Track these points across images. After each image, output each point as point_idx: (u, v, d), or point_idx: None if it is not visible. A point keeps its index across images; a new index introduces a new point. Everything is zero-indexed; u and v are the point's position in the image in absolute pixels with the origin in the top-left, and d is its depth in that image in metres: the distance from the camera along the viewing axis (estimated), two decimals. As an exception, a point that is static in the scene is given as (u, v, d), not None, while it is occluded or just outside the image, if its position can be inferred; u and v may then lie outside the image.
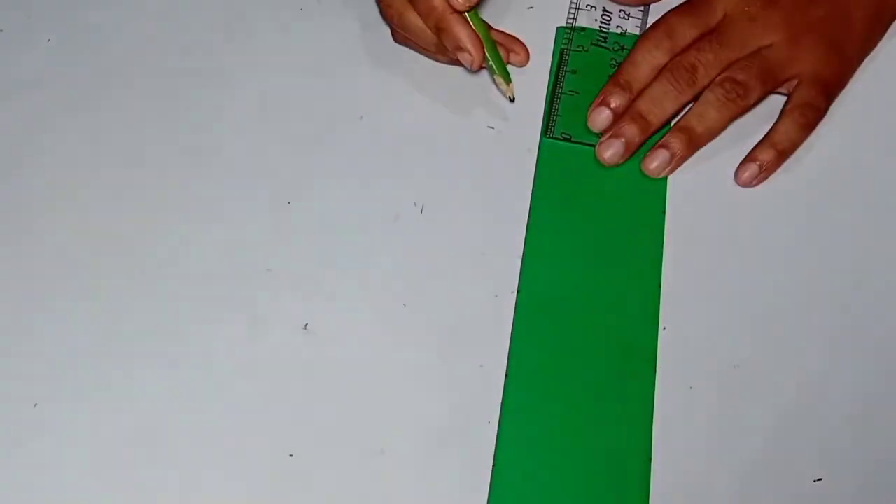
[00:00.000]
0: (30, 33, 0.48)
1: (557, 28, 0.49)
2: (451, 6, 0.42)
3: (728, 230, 0.44)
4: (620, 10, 0.49)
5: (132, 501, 0.38)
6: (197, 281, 0.42)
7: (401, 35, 0.46)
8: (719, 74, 0.44)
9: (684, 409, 0.41)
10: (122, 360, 0.41)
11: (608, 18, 0.49)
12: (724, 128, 0.45)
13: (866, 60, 0.47)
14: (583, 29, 0.48)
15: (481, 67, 0.44)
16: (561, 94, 0.46)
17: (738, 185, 0.45)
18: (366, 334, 0.41)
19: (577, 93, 0.46)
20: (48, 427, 0.39)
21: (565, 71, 0.47)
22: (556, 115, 0.46)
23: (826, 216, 0.45)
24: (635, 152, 0.45)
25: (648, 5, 0.49)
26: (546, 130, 0.46)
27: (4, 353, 0.41)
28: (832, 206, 0.45)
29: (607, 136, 0.45)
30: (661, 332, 0.42)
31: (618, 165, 0.45)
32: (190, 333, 0.41)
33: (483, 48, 0.43)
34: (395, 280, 0.43)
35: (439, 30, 0.43)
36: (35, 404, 0.40)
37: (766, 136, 0.45)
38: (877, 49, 0.47)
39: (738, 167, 0.45)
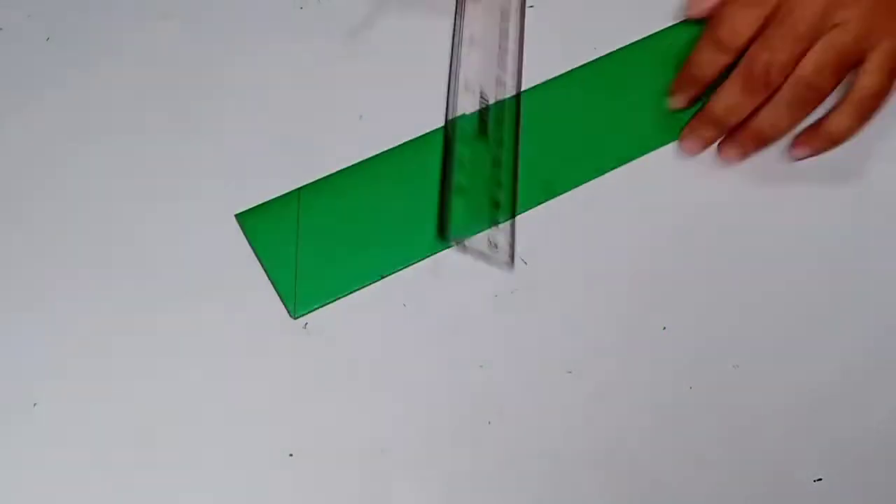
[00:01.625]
0: (30, 33, 0.48)
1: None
2: None
3: (728, 230, 0.44)
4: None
5: (132, 501, 0.38)
6: (197, 280, 0.42)
7: None
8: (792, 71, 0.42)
9: (684, 409, 0.41)
10: (122, 359, 0.40)
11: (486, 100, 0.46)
12: (794, 129, 0.44)
13: None
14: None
15: None
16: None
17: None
18: (366, 334, 0.41)
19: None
20: (48, 427, 0.39)
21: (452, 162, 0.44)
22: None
23: (826, 216, 0.45)
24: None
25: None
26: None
27: (4, 353, 0.41)
28: (833, 207, 0.45)
29: (687, 131, 0.45)
30: (661, 332, 0.42)
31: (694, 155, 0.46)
32: (190, 333, 0.41)
33: None
34: (395, 280, 0.43)
35: None
36: (35, 404, 0.40)
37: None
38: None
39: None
